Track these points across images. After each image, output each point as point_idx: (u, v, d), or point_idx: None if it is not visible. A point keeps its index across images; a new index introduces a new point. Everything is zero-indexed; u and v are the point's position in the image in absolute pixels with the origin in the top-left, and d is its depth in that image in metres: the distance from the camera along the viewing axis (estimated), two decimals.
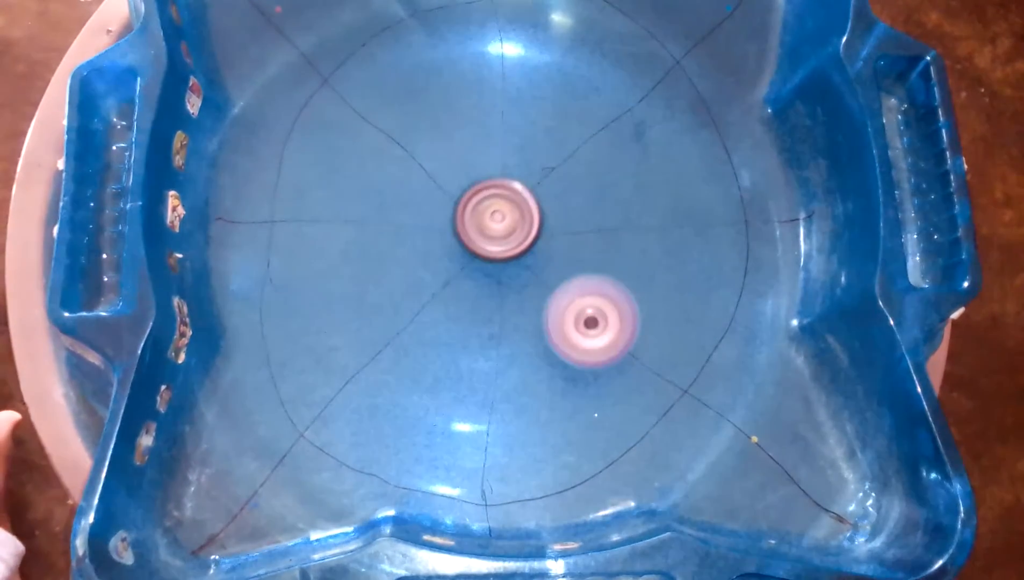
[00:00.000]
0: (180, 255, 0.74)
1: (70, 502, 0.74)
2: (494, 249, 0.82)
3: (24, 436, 0.99)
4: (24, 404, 0.74)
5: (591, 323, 0.82)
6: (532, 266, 0.83)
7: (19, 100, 1.10)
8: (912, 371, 0.69)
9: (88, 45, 0.79)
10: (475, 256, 0.82)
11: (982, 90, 1.24)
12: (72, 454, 0.72)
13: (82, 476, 0.71)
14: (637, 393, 0.81)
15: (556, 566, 0.67)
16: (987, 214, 1.14)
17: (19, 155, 0.77)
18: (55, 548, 1.02)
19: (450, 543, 0.72)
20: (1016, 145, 1.20)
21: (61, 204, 0.68)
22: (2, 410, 0.96)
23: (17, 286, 0.75)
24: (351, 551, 0.67)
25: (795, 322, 0.82)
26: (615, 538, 0.72)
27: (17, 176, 0.76)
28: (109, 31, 0.79)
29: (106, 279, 0.70)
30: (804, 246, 0.83)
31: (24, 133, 0.77)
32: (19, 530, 0.86)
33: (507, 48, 0.87)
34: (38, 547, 1.01)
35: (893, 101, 0.77)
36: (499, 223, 0.82)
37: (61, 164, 0.69)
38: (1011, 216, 1.17)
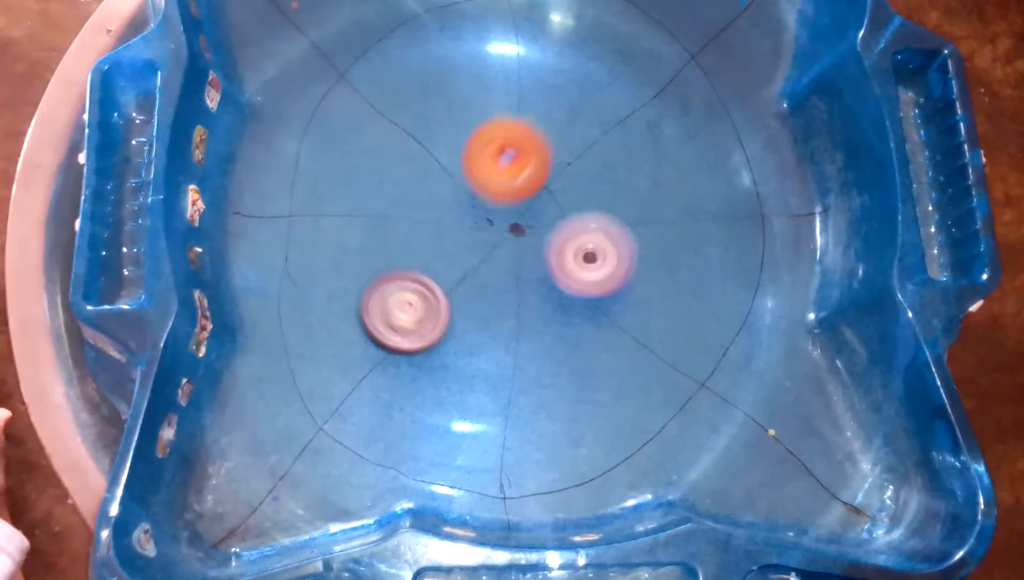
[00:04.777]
0: (200, 249, 0.74)
1: (70, 502, 0.73)
2: (399, 342, 0.80)
3: (24, 436, 0.99)
4: (24, 404, 0.73)
5: (590, 258, 0.82)
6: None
7: (19, 100, 1.09)
8: (931, 363, 0.69)
9: (88, 45, 0.79)
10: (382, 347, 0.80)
11: (982, 90, 1.24)
12: (72, 454, 0.72)
13: (82, 476, 0.71)
14: (654, 387, 0.81)
15: (577, 557, 0.67)
16: None
17: (19, 155, 0.77)
18: (55, 548, 1.02)
19: (470, 535, 0.72)
20: (1016, 145, 1.21)
21: (83, 198, 0.68)
22: (1, 409, 0.95)
23: (17, 286, 0.75)
24: (372, 543, 0.67)
25: (812, 315, 0.82)
26: (635, 530, 0.73)
27: (17, 176, 0.76)
28: (109, 31, 0.79)
29: (127, 273, 0.70)
30: (820, 240, 0.84)
31: (24, 133, 0.77)
32: (18, 530, 0.85)
33: (522, 44, 0.87)
34: (38, 547, 1.00)
35: (910, 95, 0.77)
36: (407, 314, 0.80)
37: (82, 158, 0.69)
38: (1011, 216, 1.17)
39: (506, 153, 0.81)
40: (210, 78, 0.76)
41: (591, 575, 0.67)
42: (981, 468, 0.67)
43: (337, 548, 0.68)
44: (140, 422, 0.64)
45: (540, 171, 0.83)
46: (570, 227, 0.83)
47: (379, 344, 0.80)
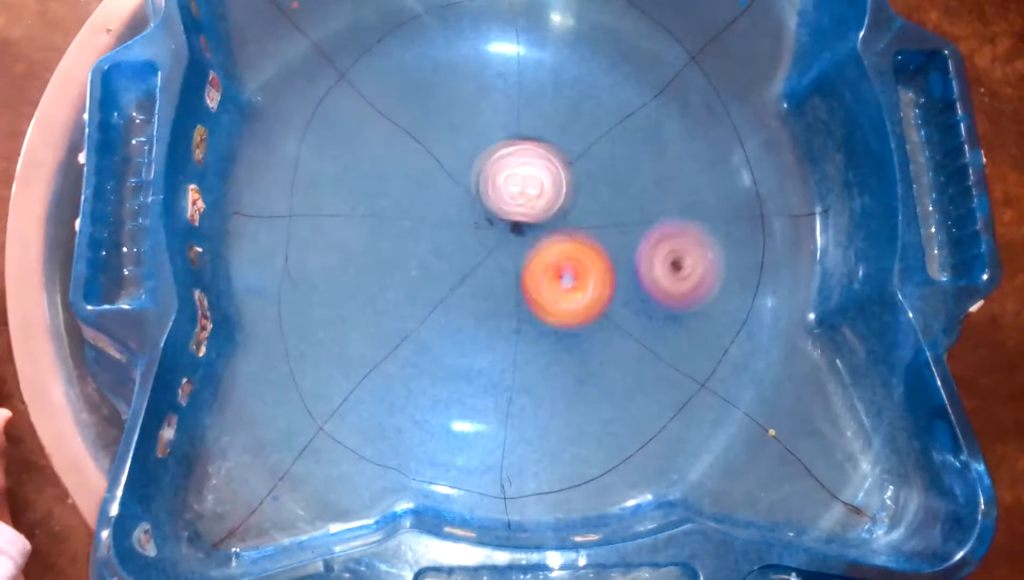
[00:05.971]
0: (200, 249, 0.74)
1: (70, 502, 0.73)
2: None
3: (24, 436, 0.99)
4: (24, 404, 0.73)
5: (677, 266, 0.83)
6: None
7: (19, 100, 1.09)
8: (931, 363, 0.69)
9: (88, 44, 0.79)
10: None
11: (982, 90, 1.24)
12: (72, 454, 0.72)
13: (82, 476, 0.71)
14: (655, 387, 0.81)
15: (577, 558, 0.67)
16: None
17: (19, 154, 0.77)
18: (55, 548, 1.02)
19: (471, 535, 0.72)
20: (1016, 145, 1.21)
21: (83, 197, 0.68)
22: (1, 408, 0.95)
23: (17, 286, 0.75)
24: (373, 543, 0.67)
25: (812, 315, 0.82)
26: (636, 530, 0.73)
27: (17, 175, 0.76)
28: (109, 30, 0.79)
29: (127, 272, 0.70)
30: (820, 240, 0.84)
31: (24, 132, 0.77)
32: (19, 530, 0.85)
33: (523, 44, 0.87)
34: (38, 547, 1.00)
35: (910, 95, 0.77)
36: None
37: (82, 158, 0.69)
38: (1011, 216, 1.17)
39: (566, 275, 0.81)
40: (210, 78, 0.76)
41: (592, 575, 0.67)
42: (981, 468, 0.66)
43: (337, 548, 0.68)
44: (140, 422, 0.64)
45: (605, 283, 0.82)
46: (658, 231, 0.84)
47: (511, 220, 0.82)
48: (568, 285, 0.80)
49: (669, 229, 0.83)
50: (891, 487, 0.75)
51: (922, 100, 0.77)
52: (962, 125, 0.73)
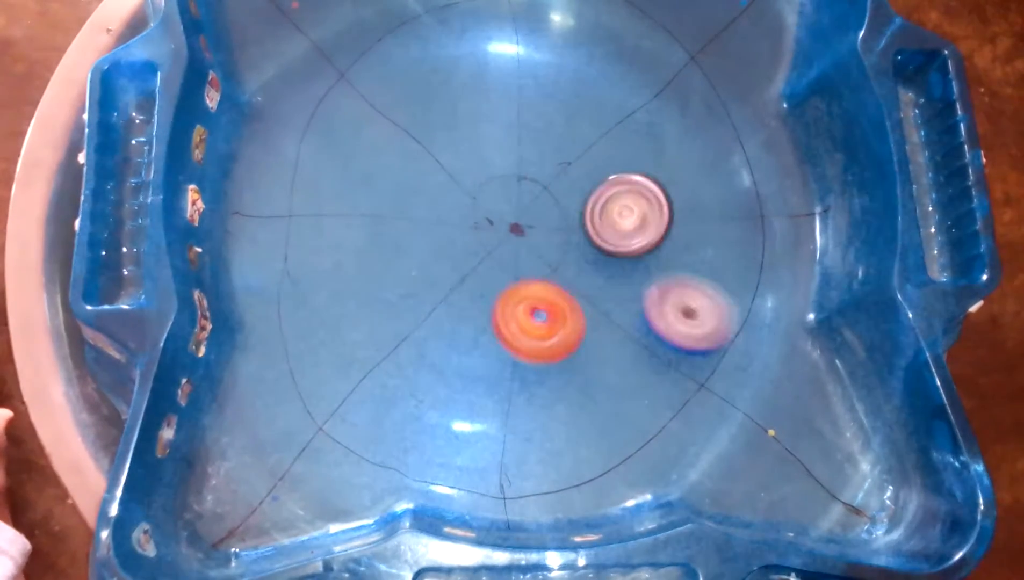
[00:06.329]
0: (200, 249, 0.74)
1: (70, 502, 0.73)
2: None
3: (24, 436, 0.99)
4: (24, 404, 0.73)
5: (689, 313, 0.82)
6: (549, 260, 0.83)
7: (19, 100, 1.09)
8: (931, 364, 0.69)
9: (88, 44, 0.79)
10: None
11: (982, 90, 1.24)
12: (72, 454, 0.72)
13: (82, 476, 0.71)
14: (654, 387, 0.81)
15: (577, 558, 0.67)
16: None
17: (19, 155, 0.77)
18: (55, 548, 1.02)
19: (470, 535, 0.72)
20: (1016, 145, 1.21)
21: (82, 197, 0.68)
22: (1, 409, 0.95)
23: (17, 286, 0.75)
24: (372, 543, 0.67)
25: (811, 316, 0.82)
26: (635, 530, 0.73)
27: (17, 175, 0.76)
28: (109, 30, 0.79)
29: (126, 272, 0.70)
30: (820, 240, 0.84)
31: (24, 133, 0.77)
32: (19, 530, 0.85)
33: (522, 44, 0.87)
34: (38, 547, 1.00)
35: (909, 95, 0.77)
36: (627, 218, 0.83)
37: (82, 158, 0.69)
38: (1011, 216, 1.17)
39: (538, 312, 0.81)
40: (210, 78, 0.76)
41: (591, 575, 0.67)
42: (980, 468, 0.66)
43: (337, 548, 0.68)
44: (139, 422, 0.64)
45: (574, 334, 0.82)
46: (671, 281, 0.83)
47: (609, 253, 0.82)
48: (540, 321, 0.80)
49: (664, 286, 0.83)
50: (891, 487, 0.75)
51: (922, 100, 0.77)
52: (962, 125, 0.73)
